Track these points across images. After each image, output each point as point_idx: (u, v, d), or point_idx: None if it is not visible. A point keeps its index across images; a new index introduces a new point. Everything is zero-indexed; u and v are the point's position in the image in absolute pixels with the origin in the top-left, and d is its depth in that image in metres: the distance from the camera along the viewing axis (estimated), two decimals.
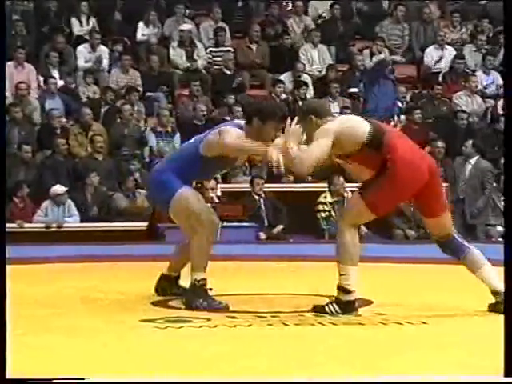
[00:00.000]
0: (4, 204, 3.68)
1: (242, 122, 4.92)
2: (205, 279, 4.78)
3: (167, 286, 5.15)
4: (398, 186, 4.57)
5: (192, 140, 5.00)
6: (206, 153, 4.81)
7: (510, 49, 3.49)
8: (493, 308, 4.65)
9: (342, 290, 4.58)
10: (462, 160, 10.57)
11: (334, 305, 4.58)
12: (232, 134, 4.75)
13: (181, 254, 5.12)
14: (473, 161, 10.89)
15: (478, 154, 10.98)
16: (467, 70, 12.78)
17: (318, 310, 4.63)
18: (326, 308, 4.60)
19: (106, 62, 12.21)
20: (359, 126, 4.60)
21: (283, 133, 4.75)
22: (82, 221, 10.16)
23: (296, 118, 4.66)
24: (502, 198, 10.76)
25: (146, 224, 10.20)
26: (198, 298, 4.72)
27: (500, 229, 10.79)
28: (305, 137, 4.72)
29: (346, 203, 4.62)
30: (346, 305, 4.57)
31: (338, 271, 4.59)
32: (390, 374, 3.19)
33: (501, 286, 4.55)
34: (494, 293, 4.65)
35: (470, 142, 10.90)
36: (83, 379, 3.00)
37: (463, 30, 13.46)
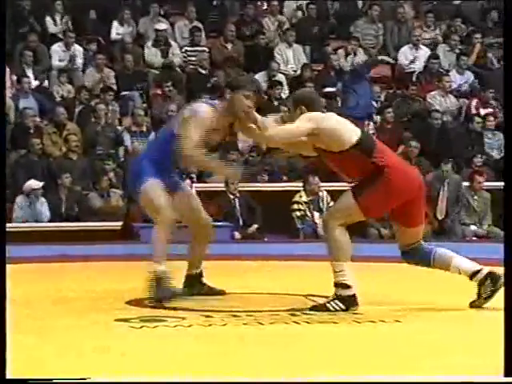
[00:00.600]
0: (4, 204, 3.65)
1: (215, 101, 4.97)
2: (164, 271, 4.77)
3: (192, 285, 5.16)
4: (394, 192, 4.65)
5: (166, 124, 5.07)
6: (180, 131, 4.81)
7: (509, 48, 3.52)
8: (474, 305, 4.71)
9: (340, 286, 4.62)
10: (438, 181, 10.67)
11: (337, 301, 4.63)
12: (202, 113, 4.76)
13: (192, 250, 5.16)
14: (449, 179, 10.91)
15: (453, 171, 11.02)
16: (441, 70, 12.86)
17: (318, 308, 4.63)
18: (329, 306, 4.62)
19: (80, 61, 12.17)
20: (347, 128, 4.69)
21: (256, 109, 4.83)
22: (56, 220, 10.12)
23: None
24: (475, 198, 10.86)
25: (120, 223, 10.17)
26: (158, 289, 4.74)
27: (474, 228, 10.85)
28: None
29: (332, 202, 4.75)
30: (347, 300, 4.62)
31: (333, 269, 4.63)
32: (364, 373, 3.20)
33: (476, 266, 4.70)
34: (472, 275, 4.72)
35: (449, 165, 10.86)
36: (84, 379, 3.00)
37: (437, 29, 13.54)
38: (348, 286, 4.62)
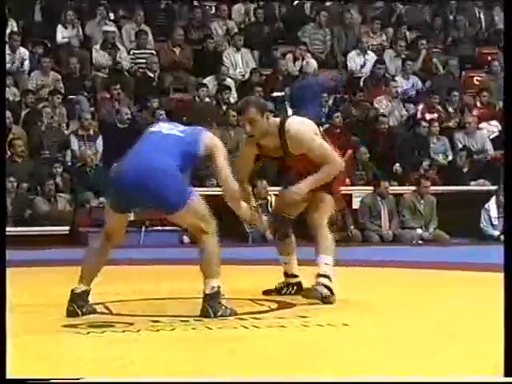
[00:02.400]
0: (4, 205, 3.60)
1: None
2: (220, 286, 4.59)
3: (82, 304, 4.60)
4: (343, 177, 5.37)
5: (176, 133, 4.66)
6: (204, 153, 4.65)
7: (509, 49, 3.58)
8: (275, 293, 5.28)
9: (325, 276, 4.97)
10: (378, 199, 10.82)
11: (326, 289, 4.96)
12: (222, 145, 4.73)
13: (102, 260, 4.70)
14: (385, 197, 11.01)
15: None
16: (387, 75, 13.01)
17: (309, 294, 4.95)
18: (321, 290, 4.93)
19: (26, 64, 12.04)
20: (316, 127, 5.15)
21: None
22: None
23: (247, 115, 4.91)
24: (421, 202, 10.99)
25: (67, 228, 10.09)
26: (221, 306, 4.54)
27: (420, 231, 10.97)
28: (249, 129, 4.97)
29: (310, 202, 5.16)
30: (331, 289, 4.97)
31: (320, 262, 4.99)
32: (310, 375, 3.23)
33: (296, 272, 5.29)
34: (289, 275, 5.28)
35: (387, 183, 10.94)
36: (78, 379, 3.01)
37: (383, 35, 13.69)
38: (330, 279, 4.98)
